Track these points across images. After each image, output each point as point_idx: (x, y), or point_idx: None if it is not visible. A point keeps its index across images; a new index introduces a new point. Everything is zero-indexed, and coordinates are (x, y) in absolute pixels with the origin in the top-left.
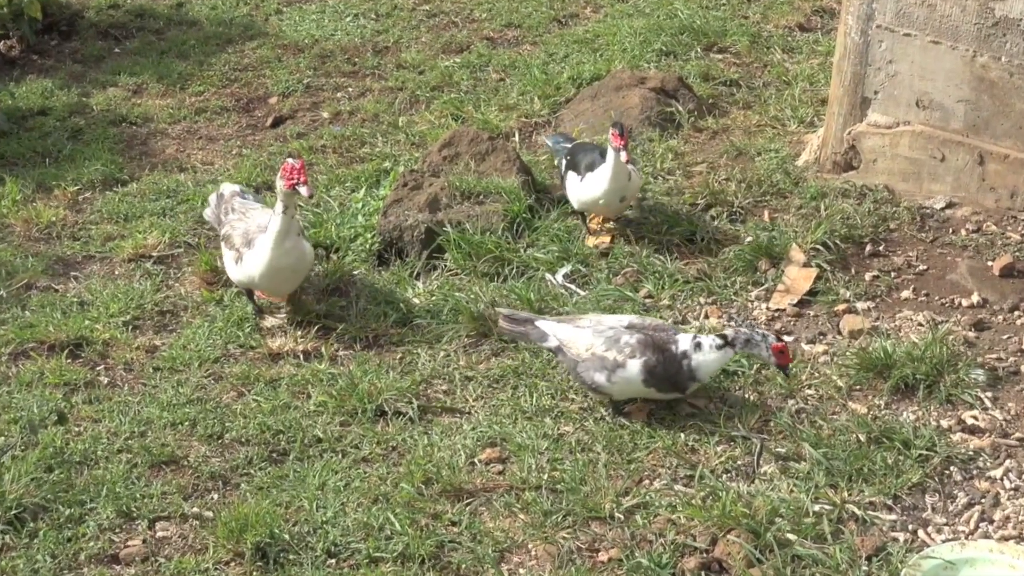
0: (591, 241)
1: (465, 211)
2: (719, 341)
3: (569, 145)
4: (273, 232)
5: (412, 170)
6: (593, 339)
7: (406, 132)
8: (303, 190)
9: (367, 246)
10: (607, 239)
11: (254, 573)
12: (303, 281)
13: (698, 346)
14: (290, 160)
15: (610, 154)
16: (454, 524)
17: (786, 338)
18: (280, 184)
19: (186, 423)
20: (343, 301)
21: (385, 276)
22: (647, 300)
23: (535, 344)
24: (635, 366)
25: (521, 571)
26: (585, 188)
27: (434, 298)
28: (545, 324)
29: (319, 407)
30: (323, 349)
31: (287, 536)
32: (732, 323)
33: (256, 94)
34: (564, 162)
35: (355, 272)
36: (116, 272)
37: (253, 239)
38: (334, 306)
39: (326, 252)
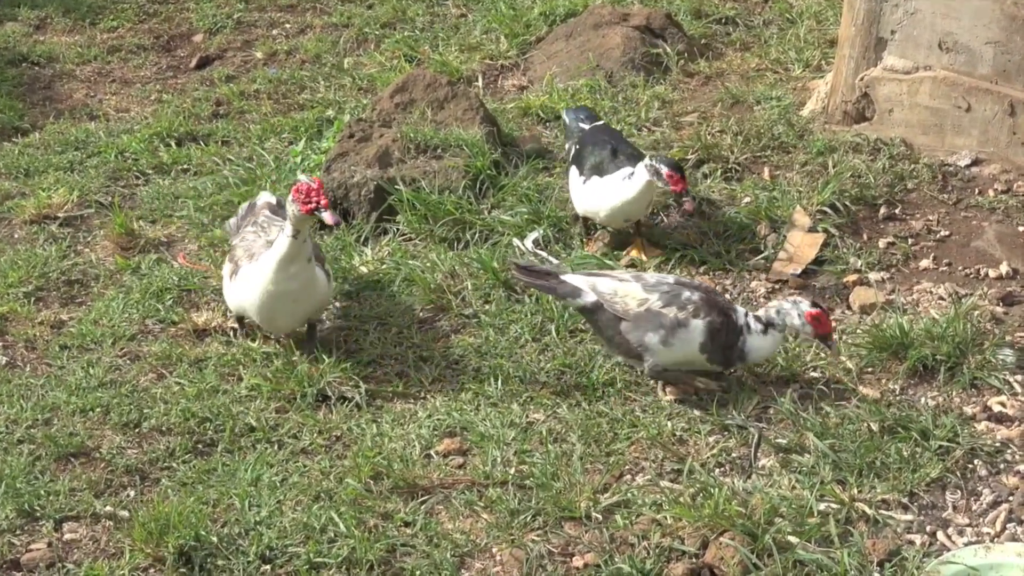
0: (592, 246)
1: (420, 167)
2: (761, 325)
3: (586, 127)
4: (277, 254)
5: (359, 119)
6: (646, 293)
7: (352, 75)
8: (326, 217)
9: None
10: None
11: None
12: (310, 317)
13: (748, 326)
14: (303, 178)
15: (641, 173)
16: (407, 525)
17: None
18: (294, 208)
19: (98, 409)
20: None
21: (328, 241)
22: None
23: (561, 301)
24: (698, 327)
25: None
26: (587, 195)
27: (384, 266)
28: (575, 278)
29: (252, 391)
30: None
31: (215, 538)
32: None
33: (178, 31)
34: (573, 150)
35: None
36: (16, 236)
37: (257, 254)
38: None
39: None
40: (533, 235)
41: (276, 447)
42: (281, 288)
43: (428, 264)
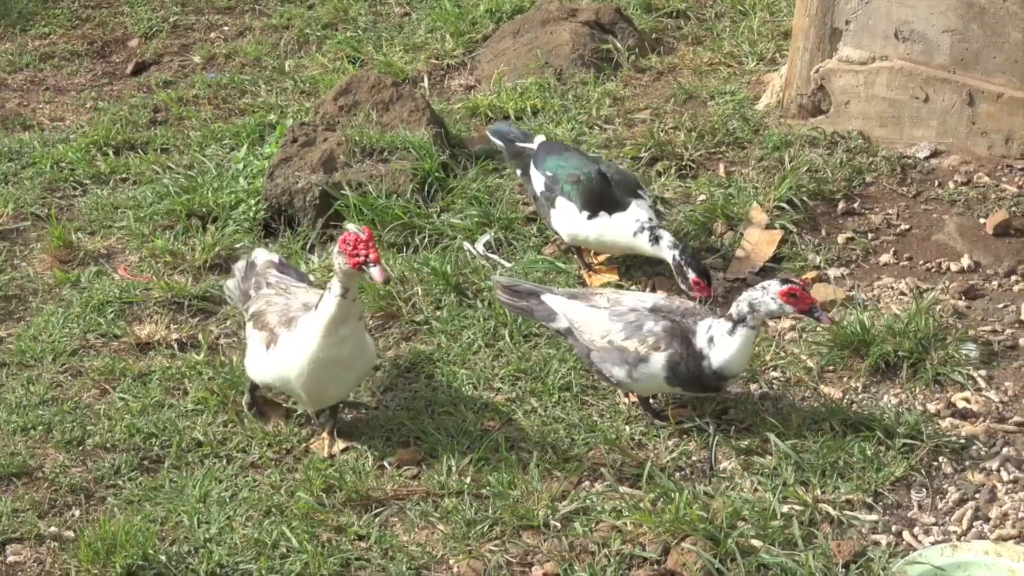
0: (596, 280)
1: (367, 171)
2: (728, 324)
3: (532, 145)
4: (324, 317)
5: (302, 123)
6: (611, 324)
7: (294, 78)
8: (375, 273)
9: (251, 214)
10: (615, 273)
11: None
12: (356, 387)
13: (711, 340)
14: (351, 228)
15: (666, 251)
16: (361, 538)
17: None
18: (340, 261)
19: (39, 428)
20: (223, 280)
21: (273, 249)
22: (582, 272)
23: (541, 323)
24: (659, 361)
25: None
26: (594, 231)
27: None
28: (553, 300)
29: (198, 405)
30: (201, 337)
31: (163, 557)
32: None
33: (113, 35)
34: (539, 177)
35: (238, 245)
36: None
37: (295, 319)
38: (213, 285)
39: (202, 222)
40: (484, 238)
41: (225, 462)
42: (331, 355)
43: None
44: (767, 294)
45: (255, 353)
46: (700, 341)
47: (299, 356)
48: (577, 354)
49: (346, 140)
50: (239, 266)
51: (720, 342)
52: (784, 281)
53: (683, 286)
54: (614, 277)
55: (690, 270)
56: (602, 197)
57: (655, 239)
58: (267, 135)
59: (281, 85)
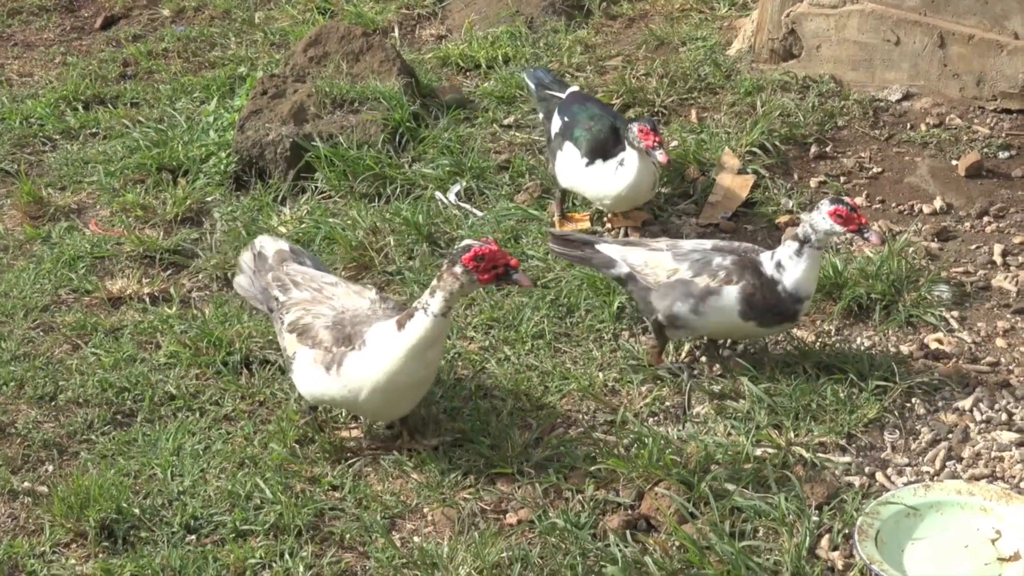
0: (567, 228)
1: (337, 122)
2: (795, 245)
3: (561, 95)
4: (414, 337)
5: (272, 75)
6: (676, 263)
7: (264, 30)
8: (523, 280)
9: (222, 167)
10: (586, 220)
11: (99, 555)
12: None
13: (779, 265)
14: (472, 242)
15: (631, 153)
16: (335, 489)
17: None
18: (466, 279)
19: (12, 384)
20: (195, 233)
21: (245, 202)
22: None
23: (599, 271)
24: (732, 293)
25: (416, 539)
26: (593, 180)
27: (304, 225)
28: (609, 248)
29: (171, 359)
30: (172, 290)
31: (137, 510)
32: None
33: None
34: (557, 122)
35: (209, 198)
36: None
37: (361, 333)
38: (185, 239)
39: (172, 176)
40: (456, 187)
41: (198, 415)
42: (414, 378)
43: (349, 221)
44: (820, 213)
45: (310, 373)
46: (768, 269)
47: (375, 380)
48: (636, 301)
49: (316, 91)
50: (246, 259)
51: (789, 265)
52: (834, 200)
53: (635, 144)
54: (586, 224)
55: (634, 125)
56: (604, 145)
57: (620, 163)
58: (237, 88)
59: (251, 37)
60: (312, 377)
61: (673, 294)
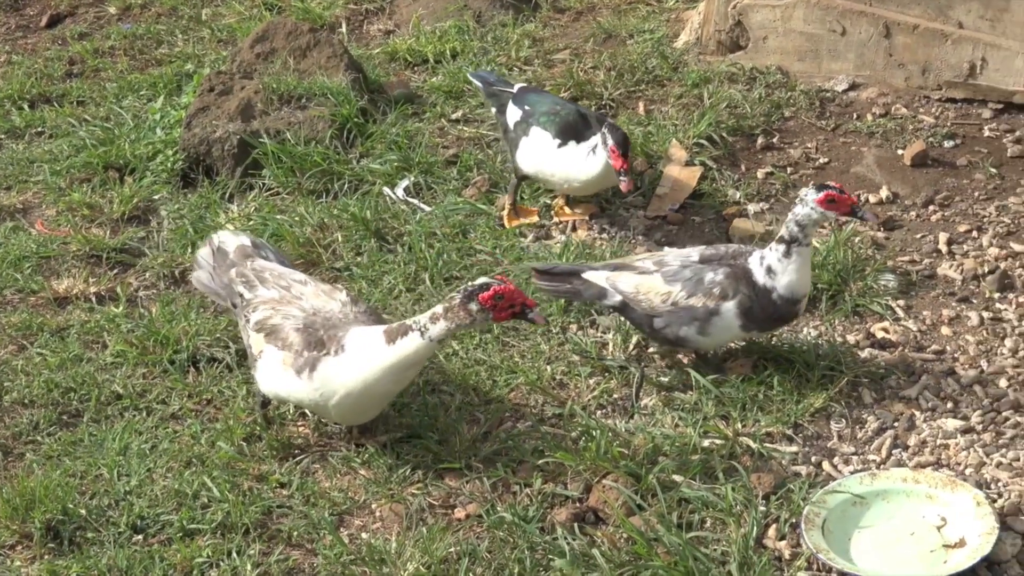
0: (516, 222)
1: (285, 118)
2: (782, 247)
3: (512, 89)
4: (401, 355)
5: (219, 72)
6: (668, 285)
7: (211, 27)
8: (538, 318)
9: (168, 164)
10: (535, 215)
11: (45, 556)
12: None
13: (770, 270)
14: (486, 280)
15: (601, 149)
16: (283, 486)
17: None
18: (482, 317)
19: None
20: (142, 231)
21: (192, 199)
22: (503, 214)
23: (589, 303)
24: (730, 310)
25: (364, 535)
26: (564, 160)
27: (252, 222)
28: (597, 276)
29: (117, 358)
30: (119, 289)
31: (84, 511)
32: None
33: None
34: (515, 111)
35: (156, 197)
36: None
37: (338, 338)
38: (132, 238)
39: (119, 174)
40: (404, 182)
41: (145, 414)
42: (390, 389)
43: (296, 218)
44: (806, 205)
45: (277, 375)
46: (759, 276)
47: (351, 387)
48: (636, 327)
49: (263, 88)
50: (204, 255)
51: (779, 268)
52: (820, 188)
53: (606, 154)
54: (534, 219)
55: (610, 137)
56: (576, 127)
57: (594, 149)
58: (184, 85)
59: (198, 34)
60: (280, 379)
61: (677, 320)
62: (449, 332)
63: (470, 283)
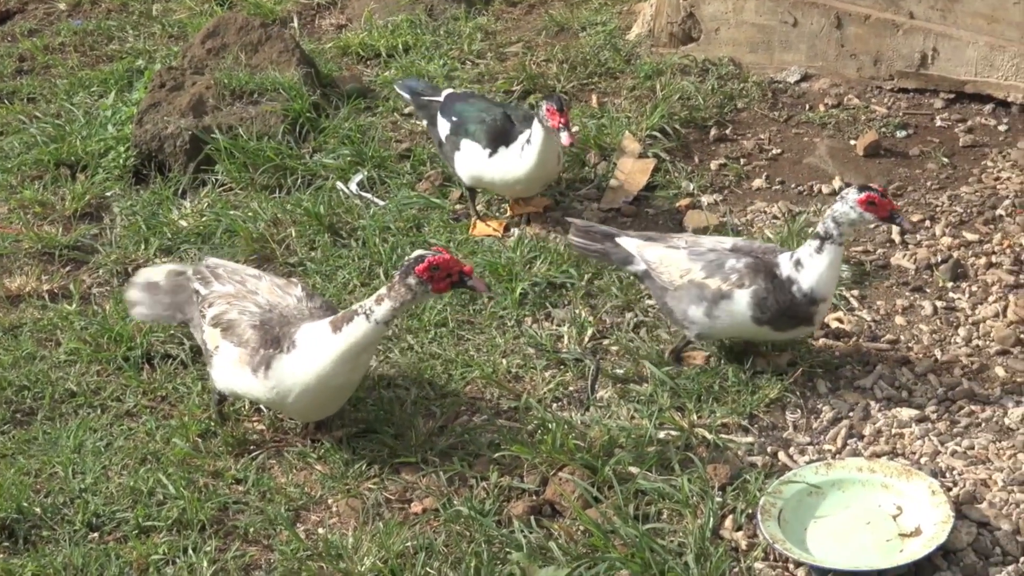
0: (481, 230)
1: (237, 113)
2: (815, 243)
3: (439, 98)
4: (349, 342)
5: (171, 68)
6: (690, 263)
7: (162, 23)
8: (478, 285)
9: (120, 161)
10: (500, 229)
11: (0, 555)
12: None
13: (798, 263)
14: (423, 252)
15: (538, 129)
16: (239, 482)
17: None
18: (420, 289)
19: None
20: (95, 228)
21: (145, 196)
22: (457, 207)
23: (616, 267)
24: (743, 297)
25: (320, 531)
26: (499, 166)
27: (204, 219)
28: (629, 242)
29: (71, 356)
30: (72, 287)
31: (38, 509)
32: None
33: None
34: (444, 124)
35: (108, 193)
36: None
37: (290, 334)
38: (84, 235)
39: (71, 171)
40: (357, 177)
41: (99, 411)
42: (345, 381)
43: (250, 213)
44: (846, 203)
45: (234, 372)
46: (785, 269)
47: (305, 383)
48: (653, 298)
49: (215, 83)
50: (132, 294)
51: (808, 263)
52: (862, 188)
53: (543, 122)
54: (498, 227)
55: (542, 104)
56: (505, 134)
57: (522, 146)
58: (135, 81)
59: (149, 30)
60: (236, 376)
61: (688, 297)
62: (394, 311)
63: (407, 258)
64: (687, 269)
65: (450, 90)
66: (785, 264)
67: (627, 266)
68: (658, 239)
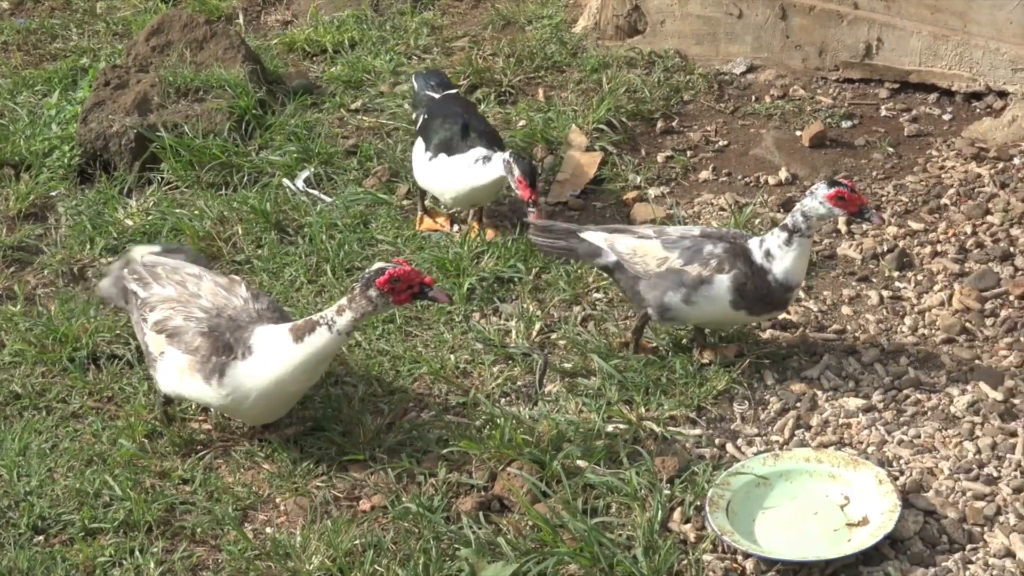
0: (427, 224)
1: (182, 111)
2: (784, 235)
3: (435, 96)
4: (309, 351)
5: (115, 66)
6: (666, 251)
7: (106, 21)
8: (440, 296)
9: (65, 160)
10: (447, 225)
11: None
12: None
13: (768, 254)
14: (384, 265)
15: (497, 166)
16: (186, 482)
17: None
18: (382, 302)
19: None
20: (40, 228)
21: (90, 195)
22: (405, 203)
23: (582, 261)
24: (723, 282)
25: (268, 530)
26: (433, 174)
27: (151, 217)
28: (595, 236)
29: (15, 357)
30: (16, 288)
31: None
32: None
33: None
34: (420, 120)
35: (53, 193)
36: None
37: (244, 340)
38: (29, 235)
39: (15, 171)
40: (304, 173)
41: (44, 413)
42: (300, 388)
43: (196, 212)
44: (815, 199)
45: (182, 379)
46: (758, 257)
47: (263, 389)
48: (622, 290)
49: (160, 81)
50: (114, 266)
51: (779, 254)
52: (832, 183)
53: (514, 187)
54: (445, 222)
55: (516, 168)
56: (449, 141)
57: (486, 159)
58: (80, 79)
59: (93, 28)
60: (185, 383)
61: (664, 284)
62: (355, 322)
63: (367, 270)
64: (664, 257)
65: (455, 91)
66: (756, 251)
67: (595, 259)
68: (624, 230)
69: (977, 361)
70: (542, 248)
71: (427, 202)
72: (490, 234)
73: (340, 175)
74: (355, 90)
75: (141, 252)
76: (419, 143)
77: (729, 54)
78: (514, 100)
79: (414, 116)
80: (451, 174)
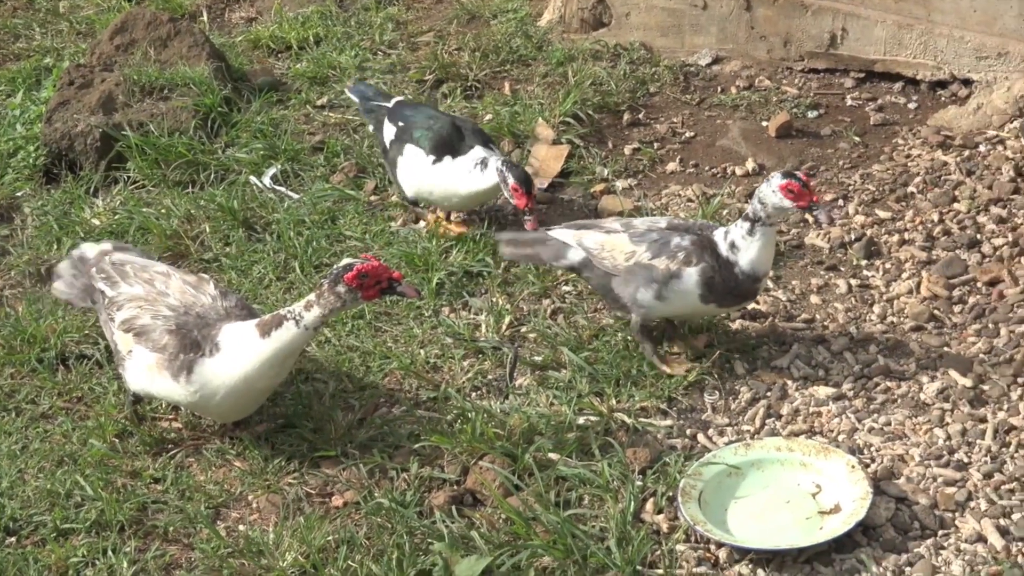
0: (457, 228)
1: (148, 110)
2: (747, 225)
3: (388, 104)
4: (277, 346)
5: (79, 65)
6: (634, 245)
7: (69, 20)
8: (408, 291)
9: (30, 161)
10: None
11: None
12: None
13: (733, 246)
14: (352, 260)
15: (492, 173)
16: (157, 481)
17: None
18: (350, 297)
19: None
20: (6, 229)
21: (56, 195)
22: (373, 199)
23: (549, 265)
24: (692, 276)
25: (241, 527)
26: (442, 178)
27: (117, 216)
28: (563, 233)
29: None
30: None
31: None
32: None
33: None
34: (390, 129)
35: (18, 194)
36: None
37: (211, 336)
38: None
39: None
40: (271, 171)
41: (14, 414)
42: (268, 384)
43: (163, 210)
44: (770, 186)
45: (150, 377)
46: (723, 250)
47: (231, 385)
48: (594, 287)
49: (125, 80)
50: (63, 268)
51: (743, 244)
52: (786, 174)
53: (508, 195)
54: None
55: (510, 176)
56: (450, 142)
57: (483, 164)
58: (44, 79)
59: (56, 27)
60: (153, 381)
61: (636, 281)
62: (323, 318)
63: (335, 266)
64: (632, 251)
65: (400, 98)
66: (721, 243)
67: (560, 260)
68: (591, 225)
69: (946, 348)
70: (511, 259)
71: (419, 208)
72: (457, 229)
73: (307, 171)
74: (321, 86)
75: (87, 248)
76: (410, 149)
77: (694, 45)
78: (480, 94)
79: (371, 127)
80: (455, 177)
